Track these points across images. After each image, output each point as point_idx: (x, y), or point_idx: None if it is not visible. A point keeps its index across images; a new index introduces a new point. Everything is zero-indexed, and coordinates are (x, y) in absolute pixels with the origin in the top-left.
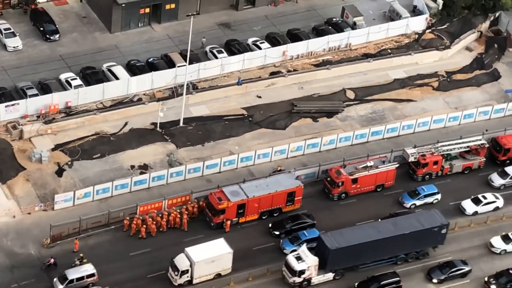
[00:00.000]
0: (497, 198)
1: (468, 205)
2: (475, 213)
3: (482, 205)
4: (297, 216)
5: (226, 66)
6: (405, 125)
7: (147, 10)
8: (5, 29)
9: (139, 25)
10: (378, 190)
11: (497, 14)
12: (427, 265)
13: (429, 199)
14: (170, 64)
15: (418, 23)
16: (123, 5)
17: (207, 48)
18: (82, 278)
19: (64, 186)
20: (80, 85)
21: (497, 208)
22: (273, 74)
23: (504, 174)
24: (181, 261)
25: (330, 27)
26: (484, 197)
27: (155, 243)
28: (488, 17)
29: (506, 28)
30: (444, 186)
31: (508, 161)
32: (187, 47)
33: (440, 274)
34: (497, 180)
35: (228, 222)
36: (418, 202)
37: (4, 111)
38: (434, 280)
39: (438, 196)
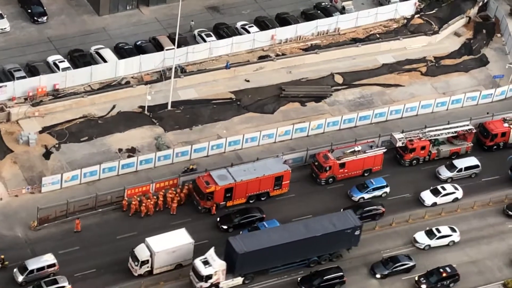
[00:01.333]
0: (456, 189)
1: (427, 196)
2: (434, 204)
3: (441, 196)
4: (245, 209)
5: (214, 50)
6: (393, 110)
7: None
8: None
9: (128, 7)
10: (366, 174)
11: (485, 0)
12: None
13: (377, 192)
14: (158, 47)
15: (407, 8)
16: None
17: (196, 32)
18: (42, 268)
19: (51, 168)
20: (68, 68)
21: (456, 199)
22: (262, 58)
23: (452, 167)
24: (141, 251)
25: (319, 12)
26: (444, 188)
27: (142, 226)
28: (477, 3)
29: (495, 14)
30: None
31: (495, 147)
32: (176, 30)
33: (384, 269)
34: (444, 173)
35: (214, 205)
36: (366, 196)
37: None
38: (378, 275)
39: (387, 189)
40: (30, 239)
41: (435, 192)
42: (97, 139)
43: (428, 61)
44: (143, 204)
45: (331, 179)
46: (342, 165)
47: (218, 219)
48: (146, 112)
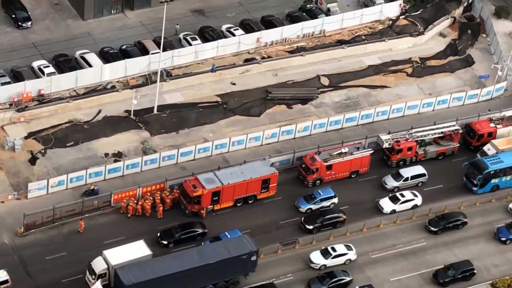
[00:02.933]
0: (415, 196)
1: (386, 204)
2: (393, 211)
3: (400, 203)
4: (187, 224)
5: (200, 53)
6: (380, 111)
7: None
8: None
9: (112, 12)
10: (353, 176)
11: (470, 0)
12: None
13: (325, 203)
14: (143, 51)
15: (392, 9)
16: None
17: (181, 35)
18: None
19: (37, 174)
20: (53, 73)
21: (415, 206)
22: (247, 61)
23: (398, 176)
24: (98, 265)
25: (304, 14)
26: (402, 195)
27: (129, 231)
28: (462, 3)
29: (480, 14)
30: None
31: (481, 147)
32: (161, 34)
33: (320, 285)
34: (390, 182)
35: (204, 209)
36: (314, 207)
37: None
38: None
39: (335, 200)
40: (17, 246)
41: (394, 199)
42: (83, 144)
43: (413, 62)
44: (139, 204)
45: (318, 181)
46: (329, 167)
47: (158, 234)
48: (132, 116)
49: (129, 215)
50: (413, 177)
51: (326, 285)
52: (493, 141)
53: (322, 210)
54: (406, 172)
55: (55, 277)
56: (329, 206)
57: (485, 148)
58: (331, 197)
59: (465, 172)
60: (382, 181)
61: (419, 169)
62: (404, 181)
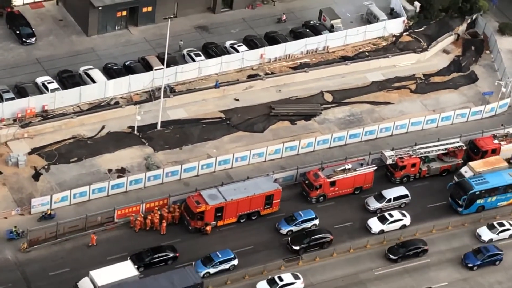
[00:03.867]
0: (404, 215)
1: (374, 224)
2: (381, 231)
3: (389, 223)
4: (158, 248)
5: (203, 69)
6: (383, 127)
7: (124, 13)
8: None
9: (116, 28)
10: (356, 192)
11: (474, 17)
12: None
13: (307, 225)
14: (147, 67)
15: (396, 26)
16: (100, 8)
17: (185, 51)
18: None
19: (41, 190)
20: (56, 89)
21: (404, 226)
22: (251, 77)
23: (380, 198)
24: (84, 285)
25: (307, 30)
26: (391, 215)
27: (133, 247)
28: (465, 20)
29: (483, 31)
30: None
31: None
32: (165, 50)
33: None
34: (373, 203)
35: (209, 227)
36: (295, 228)
37: None
38: None
39: (316, 222)
40: (20, 261)
41: (382, 219)
42: (86, 160)
43: (417, 79)
44: (148, 219)
45: (321, 198)
46: (333, 184)
47: (128, 257)
48: (135, 132)
49: (136, 230)
50: (395, 198)
51: None
52: (470, 163)
53: (309, 231)
54: (389, 193)
55: None
56: (310, 227)
57: (462, 170)
58: (312, 219)
59: (450, 193)
60: (365, 202)
61: (401, 190)
62: (386, 202)
